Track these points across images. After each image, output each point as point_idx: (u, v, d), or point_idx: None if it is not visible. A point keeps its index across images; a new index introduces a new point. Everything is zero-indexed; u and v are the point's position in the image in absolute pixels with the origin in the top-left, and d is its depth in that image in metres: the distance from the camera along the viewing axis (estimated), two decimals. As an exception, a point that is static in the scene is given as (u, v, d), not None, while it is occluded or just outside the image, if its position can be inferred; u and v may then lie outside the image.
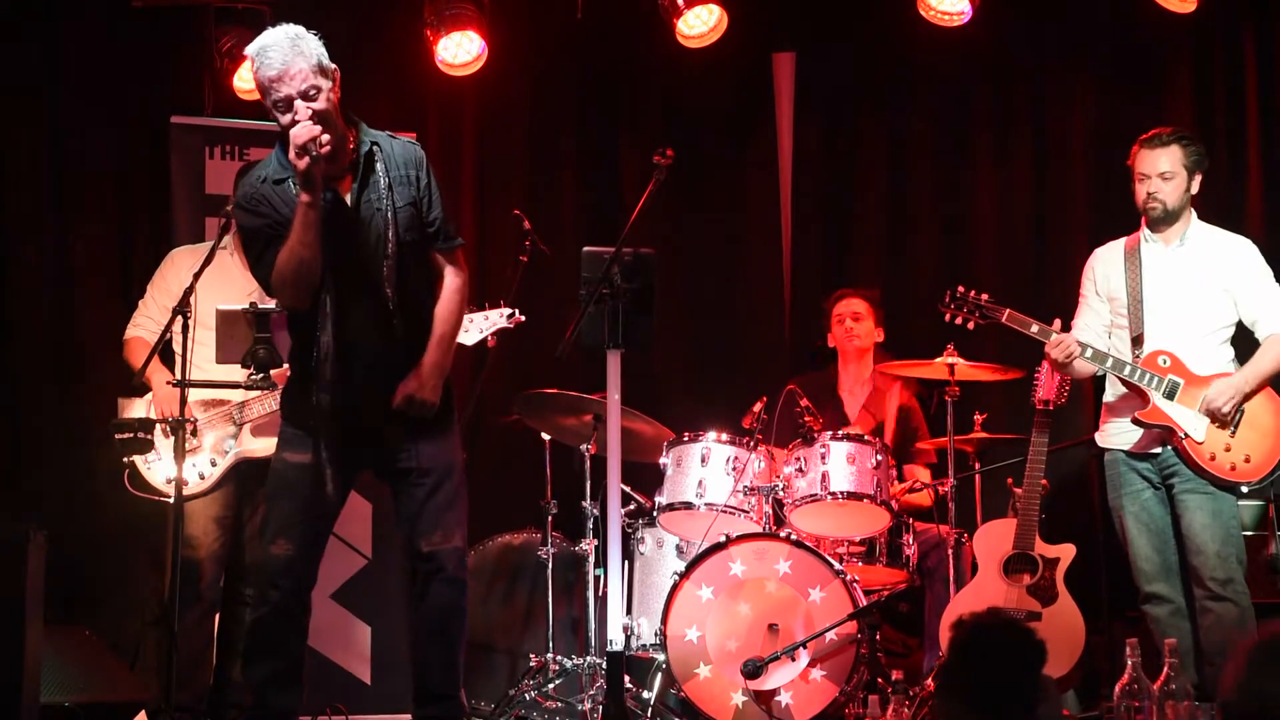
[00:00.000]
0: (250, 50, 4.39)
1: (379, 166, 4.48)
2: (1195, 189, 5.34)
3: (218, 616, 5.62)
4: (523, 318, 5.62)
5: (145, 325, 5.57)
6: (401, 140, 4.60)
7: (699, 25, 6.85)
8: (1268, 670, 2.70)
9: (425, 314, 4.53)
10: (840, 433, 5.98)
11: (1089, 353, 5.25)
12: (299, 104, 4.33)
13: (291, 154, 4.31)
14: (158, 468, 5.42)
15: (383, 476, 4.65)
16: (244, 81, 6.79)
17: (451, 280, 4.59)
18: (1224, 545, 5.18)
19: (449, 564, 4.53)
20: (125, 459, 5.31)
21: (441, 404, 4.53)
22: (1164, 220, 5.33)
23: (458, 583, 4.55)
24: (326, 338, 4.40)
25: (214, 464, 5.40)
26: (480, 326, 5.51)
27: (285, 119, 4.35)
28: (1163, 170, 5.28)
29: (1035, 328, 5.31)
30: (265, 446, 5.47)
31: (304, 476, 4.47)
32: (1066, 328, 5.41)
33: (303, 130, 4.28)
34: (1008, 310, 5.35)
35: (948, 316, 5.45)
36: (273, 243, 4.40)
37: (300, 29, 4.41)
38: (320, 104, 4.36)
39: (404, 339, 4.48)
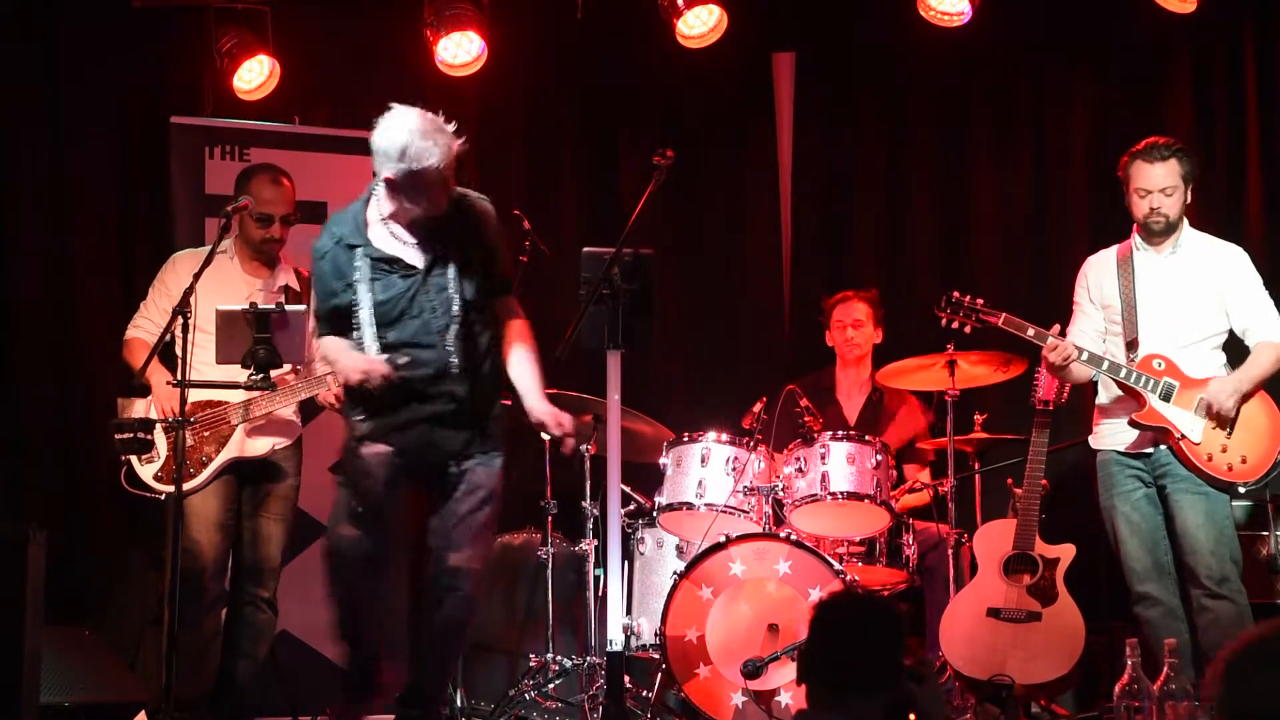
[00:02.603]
0: (398, 135, 4.54)
1: (448, 230, 4.68)
2: (1189, 198, 5.35)
3: (223, 616, 5.61)
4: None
5: (145, 326, 5.57)
6: (472, 197, 4.79)
7: (699, 25, 6.85)
8: (1243, 687, 2.68)
9: (489, 360, 4.75)
10: (840, 433, 5.98)
11: (1085, 356, 5.25)
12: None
13: (356, 376, 4.58)
14: (149, 465, 5.41)
15: (436, 499, 4.84)
16: (244, 82, 6.80)
17: (519, 324, 4.83)
18: (1218, 544, 5.19)
19: (467, 583, 4.72)
20: (122, 457, 5.31)
21: (494, 437, 4.76)
22: (1166, 231, 5.35)
23: (471, 601, 4.75)
24: (391, 390, 4.61)
25: (205, 463, 5.40)
26: None
27: (412, 199, 4.58)
28: (1163, 185, 5.29)
29: (1032, 331, 5.32)
30: (261, 447, 5.48)
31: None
32: (1065, 332, 5.41)
33: (376, 372, 4.55)
34: (1004, 314, 5.35)
35: (944, 321, 5.45)
36: (331, 308, 4.68)
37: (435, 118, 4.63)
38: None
39: (466, 386, 4.69)
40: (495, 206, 7.10)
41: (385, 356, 4.60)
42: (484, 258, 4.74)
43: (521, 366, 4.78)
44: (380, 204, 4.70)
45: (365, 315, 4.64)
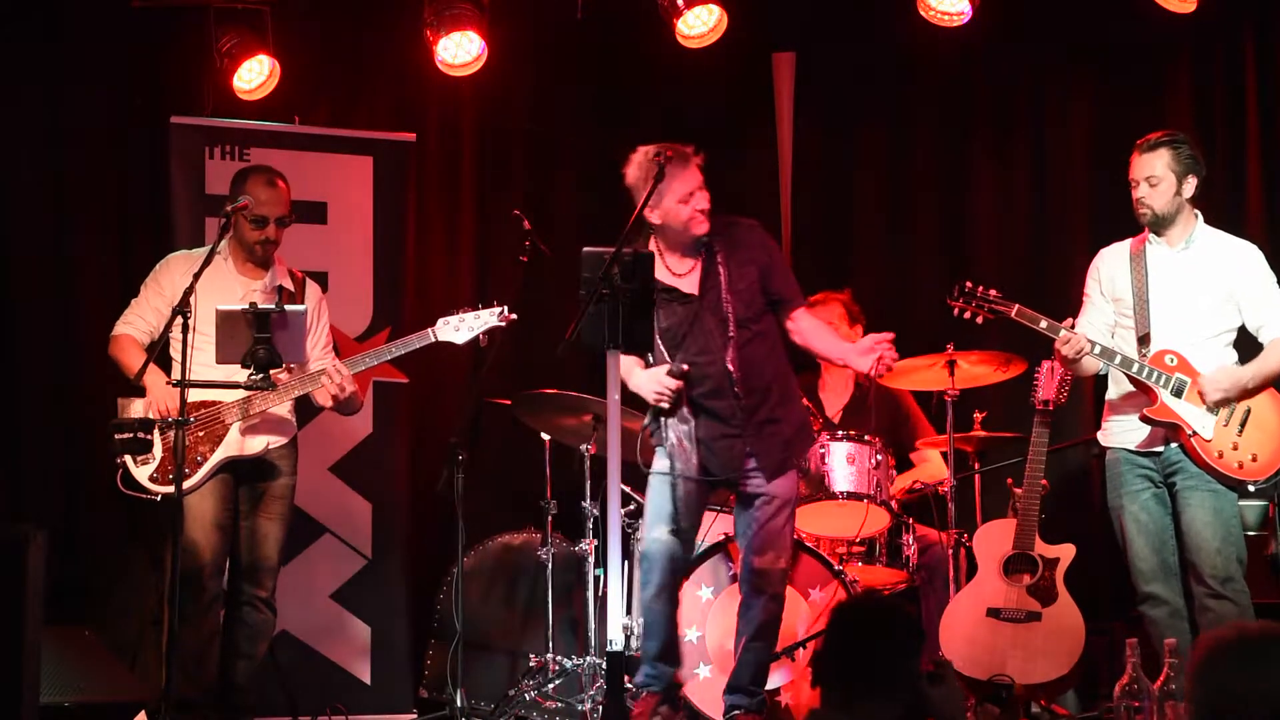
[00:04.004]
0: (633, 161, 5.23)
1: (718, 256, 5.22)
2: (1189, 192, 5.27)
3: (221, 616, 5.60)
4: (514, 316, 5.60)
5: (136, 324, 5.56)
6: (742, 223, 5.36)
7: (699, 25, 6.84)
8: (1215, 686, 2.70)
9: (768, 370, 5.23)
10: (840, 433, 5.98)
11: (1097, 349, 5.23)
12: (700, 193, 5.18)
13: (653, 397, 5.17)
14: (145, 466, 5.40)
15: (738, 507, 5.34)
16: (244, 82, 6.80)
17: (808, 323, 5.37)
18: (1224, 543, 5.16)
19: (771, 585, 5.21)
20: (117, 459, 5.30)
21: (788, 446, 5.24)
22: (1156, 225, 5.30)
23: (778, 599, 5.25)
24: (681, 405, 5.17)
25: (200, 462, 5.39)
26: (471, 326, 5.50)
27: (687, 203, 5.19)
28: (1148, 175, 5.24)
29: (1044, 323, 5.28)
30: (256, 445, 5.46)
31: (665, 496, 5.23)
32: (1074, 325, 5.38)
33: (667, 389, 5.15)
34: (1017, 305, 5.32)
35: (956, 311, 5.40)
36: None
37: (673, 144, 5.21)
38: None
39: (747, 398, 5.16)
40: (495, 206, 7.19)
41: (666, 368, 5.14)
42: (755, 277, 5.22)
43: (822, 341, 5.38)
44: (658, 240, 5.25)
45: (656, 341, 5.14)
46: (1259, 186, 6.88)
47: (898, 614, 3.41)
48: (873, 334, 5.27)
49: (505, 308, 5.52)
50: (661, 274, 5.13)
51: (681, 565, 5.34)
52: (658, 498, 5.23)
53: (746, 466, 5.19)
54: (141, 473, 5.37)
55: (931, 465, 6.52)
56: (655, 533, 5.20)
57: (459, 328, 5.48)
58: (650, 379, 5.17)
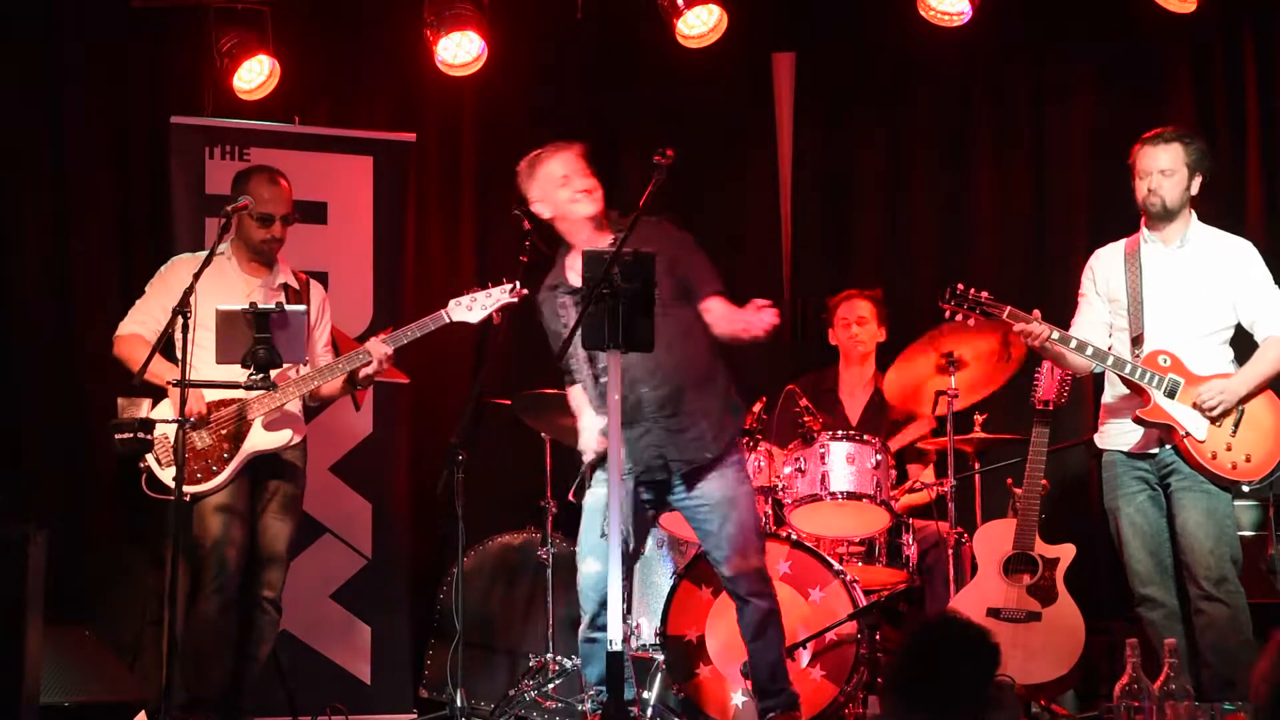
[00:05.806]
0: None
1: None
2: (1195, 189, 5.29)
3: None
4: (525, 290, 5.58)
5: (146, 323, 5.55)
6: (647, 222, 4.89)
7: (699, 25, 6.85)
8: None
9: (689, 362, 5.04)
10: (840, 433, 5.99)
11: (1074, 343, 5.22)
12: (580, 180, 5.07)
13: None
14: (171, 469, 5.38)
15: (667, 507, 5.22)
16: (244, 82, 6.80)
17: (720, 302, 5.09)
18: (1218, 544, 5.16)
19: (746, 585, 5.05)
20: (140, 464, 5.29)
21: (717, 442, 5.03)
22: (1162, 217, 5.30)
23: (762, 598, 5.08)
24: (603, 399, 4.94)
25: (226, 460, 5.38)
26: (484, 304, 5.48)
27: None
28: (1163, 167, 5.24)
29: (1036, 321, 5.29)
30: (277, 440, 5.45)
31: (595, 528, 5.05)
32: (1069, 324, 5.38)
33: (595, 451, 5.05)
34: (1009, 307, 5.31)
35: (948, 313, 5.41)
36: (559, 349, 4.92)
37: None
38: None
39: (672, 393, 4.98)
40: (495, 206, 7.18)
41: (592, 451, 5.03)
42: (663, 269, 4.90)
43: (727, 325, 5.04)
44: (563, 249, 5.15)
45: (577, 348, 4.92)
46: (1259, 186, 6.89)
47: (983, 638, 3.43)
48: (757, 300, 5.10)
49: (517, 283, 5.51)
50: (574, 276, 4.97)
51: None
52: (587, 530, 5.09)
53: (656, 465, 5.02)
54: (167, 474, 5.35)
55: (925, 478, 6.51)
56: (585, 566, 5.08)
57: (471, 306, 5.46)
58: (588, 434, 5.09)
